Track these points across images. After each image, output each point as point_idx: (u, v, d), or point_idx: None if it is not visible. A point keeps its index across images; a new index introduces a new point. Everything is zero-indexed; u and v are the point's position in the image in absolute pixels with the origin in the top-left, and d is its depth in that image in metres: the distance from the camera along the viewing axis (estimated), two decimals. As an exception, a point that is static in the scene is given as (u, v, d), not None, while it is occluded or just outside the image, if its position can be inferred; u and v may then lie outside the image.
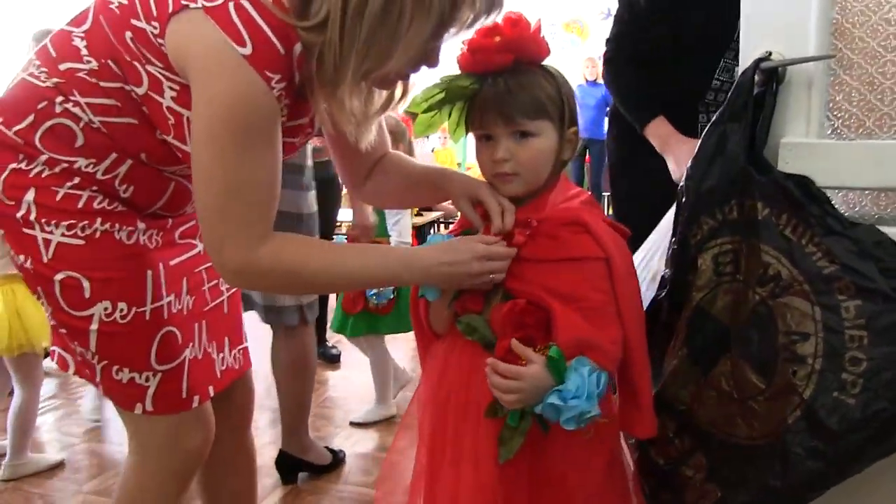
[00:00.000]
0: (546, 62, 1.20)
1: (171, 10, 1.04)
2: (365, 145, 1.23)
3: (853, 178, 1.15)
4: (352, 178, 1.39)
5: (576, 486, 1.16)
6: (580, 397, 1.01)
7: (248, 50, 1.01)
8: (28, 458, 2.42)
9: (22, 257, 1.17)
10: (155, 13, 1.06)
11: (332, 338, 3.75)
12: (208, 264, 1.31)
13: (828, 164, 1.13)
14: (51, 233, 1.13)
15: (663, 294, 1.29)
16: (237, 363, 1.41)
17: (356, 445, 2.63)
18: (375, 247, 1.24)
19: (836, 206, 1.15)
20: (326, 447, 2.46)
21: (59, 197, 1.14)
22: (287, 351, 2.28)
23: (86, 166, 1.15)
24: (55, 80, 1.13)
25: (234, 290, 1.41)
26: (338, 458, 2.44)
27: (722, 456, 1.17)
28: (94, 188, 1.16)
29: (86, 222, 1.14)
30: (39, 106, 1.13)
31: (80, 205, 1.15)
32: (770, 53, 1.16)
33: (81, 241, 1.15)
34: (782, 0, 1.17)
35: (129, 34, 1.08)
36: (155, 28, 1.06)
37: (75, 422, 2.71)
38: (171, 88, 1.09)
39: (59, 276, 1.14)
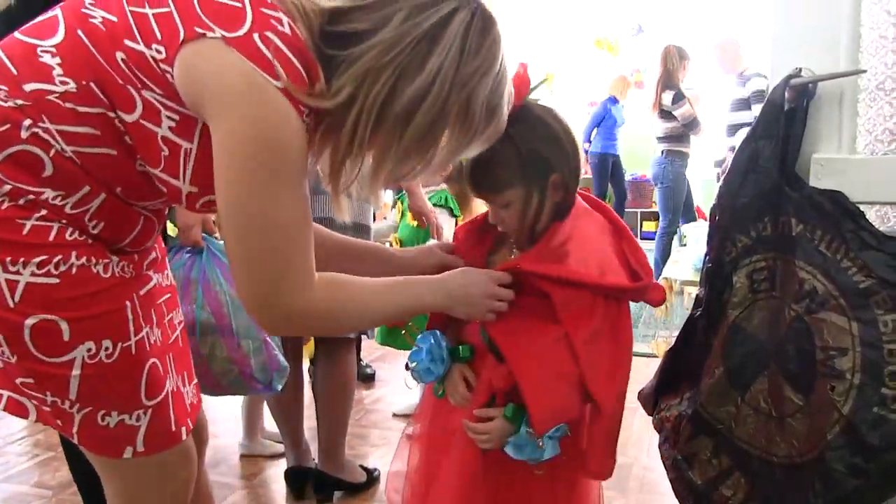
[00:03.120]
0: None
1: (182, 36, 0.96)
2: (341, 219, 1.18)
3: (885, 193, 1.15)
4: None
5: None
6: (531, 445, 1.23)
7: (282, 83, 0.95)
8: (259, 441, 2.72)
9: None
10: (159, 37, 0.97)
11: (367, 357, 3.78)
12: (166, 296, 1.26)
13: (860, 180, 1.13)
14: (17, 273, 0.98)
15: (699, 313, 1.29)
16: (195, 398, 1.31)
17: (391, 464, 2.64)
18: (404, 279, 1.20)
19: (872, 221, 1.14)
20: (361, 466, 2.47)
21: (25, 230, 0.99)
22: (331, 370, 2.29)
23: (53, 198, 1.01)
24: (20, 101, 0.98)
25: (182, 324, 1.32)
26: (372, 477, 2.45)
27: (761, 476, 1.16)
28: (64, 221, 1.03)
29: (60, 257, 1.00)
30: (1, 129, 0.98)
31: (52, 237, 1.00)
32: (800, 70, 1.16)
33: (55, 280, 1.00)
34: (812, 16, 1.18)
35: (120, 55, 0.98)
36: (159, 53, 0.97)
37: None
38: (170, 118, 1.00)
39: (30, 321, 0.99)
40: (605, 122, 7.17)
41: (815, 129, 1.18)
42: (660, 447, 1.36)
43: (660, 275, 4.84)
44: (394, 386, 3.45)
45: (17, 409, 1.10)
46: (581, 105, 8.03)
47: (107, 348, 1.05)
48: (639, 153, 7.42)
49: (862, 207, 1.10)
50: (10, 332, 1.00)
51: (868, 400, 1.04)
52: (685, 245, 4.13)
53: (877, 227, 1.09)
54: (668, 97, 5.05)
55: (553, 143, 1.24)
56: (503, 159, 1.21)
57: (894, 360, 1.03)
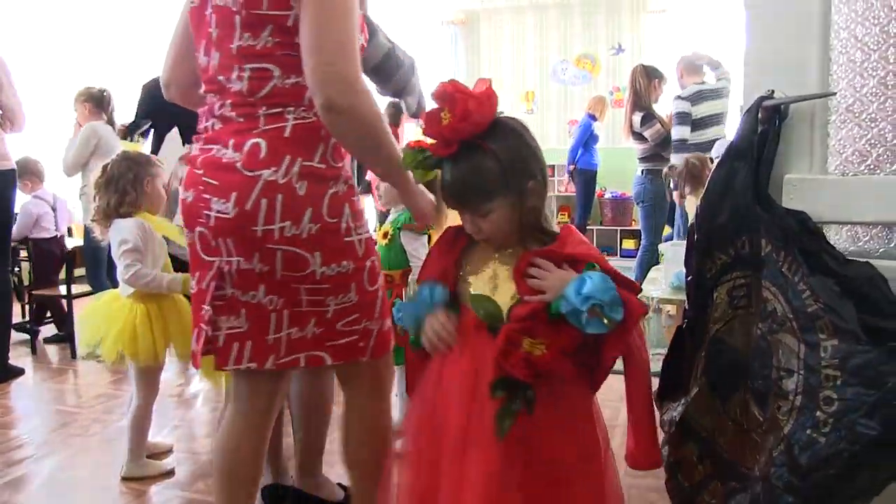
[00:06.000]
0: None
1: None
2: None
3: (856, 214, 1.17)
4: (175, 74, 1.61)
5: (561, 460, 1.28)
6: (595, 292, 1.15)
7: None
8: (144, 462, 2.61)
9: (346, 263, 1.39)
10: None
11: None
12: None
13: (831, 200, 1.15)
14: (361, 234, 1.43)
15: (685, 325, 1.32)
16: None
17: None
18: None
19: (843, 241, 1.17)
20: (339, 484, 2.45)
21: (358, 205, 1.44)
22: (308, 387, 2.27)
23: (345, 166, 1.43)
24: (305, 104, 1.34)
25: None
26: (350, 495, 2.43)
27: (732, 485, 1.19)
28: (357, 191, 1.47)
29: (366, 219, 1.48)
30: (322, 132, 1.34)
31: (361, 206, 1.46)
32: (772, 92, 1.19)
33: (369, 234, 1.47)
34: (783, 40, 1.20)
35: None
36: None
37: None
38: None
39: (368, 263, 1.45)
40: (591, 139, 7.21)
41: (787, 150, 1.21)
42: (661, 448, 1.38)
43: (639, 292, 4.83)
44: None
45: (314, 362, 1.45)
46: (561, 123, 8.11)
47: (379, 277, 1.51)
48: (619, 171, 7.47)
49: (834, 227, 1.12)
50: (358, 277, 1.42)
51: (804, 422, 1.06)
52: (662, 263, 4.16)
53: (849, 246, 1.11)
54: (637, 119, 5.03)
55: (527, 150, 1.29)
56: (485, 172, 1.25)
57: (830, 384, 1.04)
